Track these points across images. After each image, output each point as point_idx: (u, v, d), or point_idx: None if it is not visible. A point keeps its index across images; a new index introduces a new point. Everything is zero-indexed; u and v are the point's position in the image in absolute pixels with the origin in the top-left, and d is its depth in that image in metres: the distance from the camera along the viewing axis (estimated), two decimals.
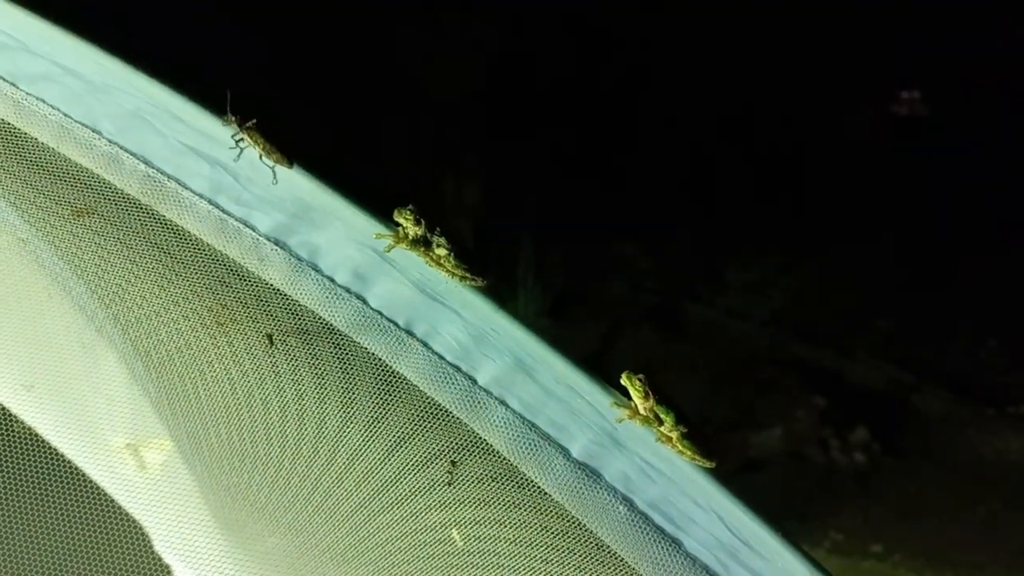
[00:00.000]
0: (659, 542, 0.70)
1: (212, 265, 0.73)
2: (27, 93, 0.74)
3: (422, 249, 0.71)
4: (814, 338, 3.56)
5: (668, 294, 3.80)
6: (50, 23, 0.74)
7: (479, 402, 0.71)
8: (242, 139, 0.69)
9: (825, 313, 3.67)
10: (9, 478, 0.98)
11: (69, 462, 1.00)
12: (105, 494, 1.03)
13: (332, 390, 0.77)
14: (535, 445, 0.70)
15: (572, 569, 0.73)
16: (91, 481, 1.02)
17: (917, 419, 3.27)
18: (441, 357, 0.71)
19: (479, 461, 0.72)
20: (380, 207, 0.72)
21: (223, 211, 0.71)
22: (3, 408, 1.00)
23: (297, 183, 0.71)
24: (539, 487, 0.71)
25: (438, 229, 0.71)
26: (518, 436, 0.70)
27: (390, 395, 0.73)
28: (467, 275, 0.71)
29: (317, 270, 0.72)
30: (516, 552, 0.75)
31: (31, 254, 0.86)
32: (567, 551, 0.73)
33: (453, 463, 0.72)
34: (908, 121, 4.28)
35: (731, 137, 4.06)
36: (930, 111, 4.26)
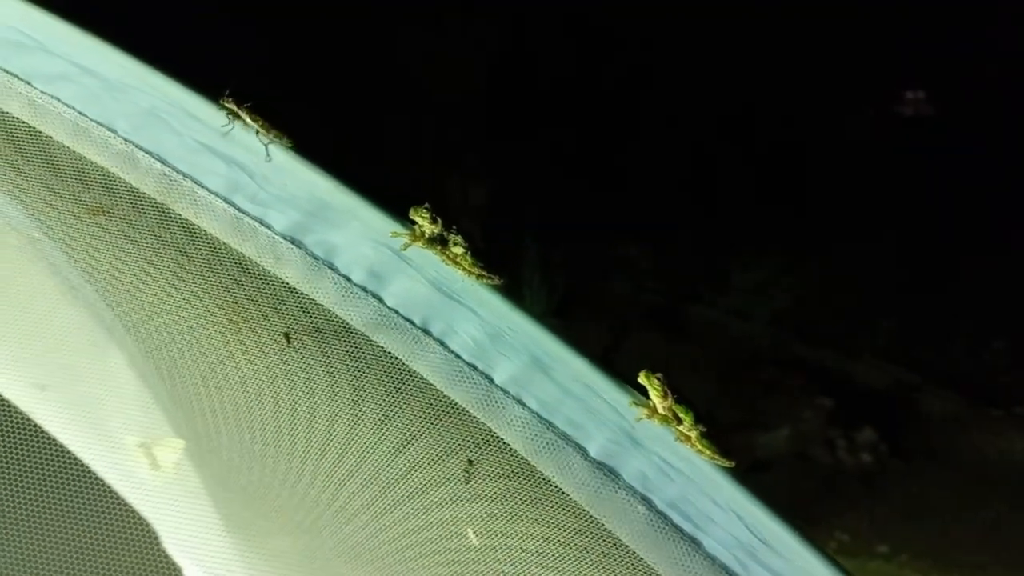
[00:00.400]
0: (678, 542, 0.69)
1: (227, 264, 0.73)
2: (42, 92, 0.74)
3: (438, 247, 0.71)
4: (818, 338, 3.56)
5: (671, 294, 3.80)
6: (67, 22, 0.74)
7: (496, 401, 0.71)
8: (236, 117, 0.69)
9: (829, 313, 3.67)
10: (20, 477, 0.98)
11: (77, 460, 1.00)
12: (114, 493, 1.03)
13: (348, 389, 0.77)
14: (553, 444, 0.70)
15: (589, 567, 0.73)
16: (100, 480, 1.02)
17: (923, 420, 3.27)
18: (458, 356, 0.71)
19: (496, 460, 0.71)
20: (381, 206, 0.72)
21: (239, 210, 0.71)
22: (15, 407, 1.00)
23: (314, 182, 0.71)
24: (556, 486, 0.71)
25: (454, 227, 0.71)
26: (535, 435, 0.70)
27: (407, 394, 0.73)
28: (484, 273, 0.71)
29: (333, 269, 0.72)
30: (532, 550, 0.75)
31: (41, 253, 0.86)
32: (583, 550, 0.73)
33: (470, 462, 0.72)
34: (912, 121, 4.28)
35: (733, 137, 4.06)
36: (934, 111, 4.26)
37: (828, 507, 2.93)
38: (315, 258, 0.72)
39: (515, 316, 0.70)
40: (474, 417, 0.71)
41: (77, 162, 0.73)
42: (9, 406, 1.00)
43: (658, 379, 0.69)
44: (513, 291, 0.72)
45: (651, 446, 0.70)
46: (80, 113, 0.73)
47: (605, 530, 0.70)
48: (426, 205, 0.70)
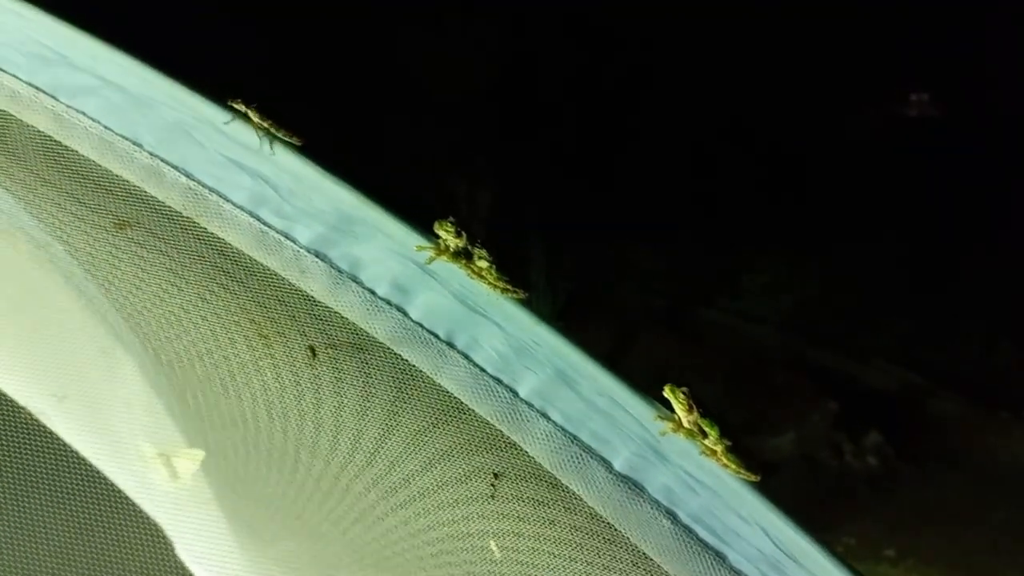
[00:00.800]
0: (703, 555, 0.69)
1: (252, 277, 0.73)
2: (67, 106, 0.74)
3: (463, 261, 0.71)
4: (826, 341, 3.55)
5: (678, 298, 3.79)
6: (90, 35, 0.74)
7: (521, 414, 0.71)
8: (245, 118, 0.70)
9: (837, 316, 3.66)
10: (37, 484, 0.99)
11: (92, 468, 1.01)
12: (129, 501, 1.03)
13: (367, 400, 0.77)
14: (577, 458, 0.70)
15: None
16: (115, 488, 1.02)
17: (931, 423, 3.26)
18: (482, 369, 0.71)
19: (521, 473, 0.72)
20: (406, 220, 0.72)
21: (264, 223, 0.72)
22: (32, 416, 1.00)
23: (339, 196, 0.71)
24: (581, 499, 0.71)
25: (479, 241, 0.71)
26: (560, 448, 0.70)
27: (429, 407, 0.73)
28: (508, 287, 0.71)
29: (358, 282, 0.72)
30: (555, 565, 0.75)
31: (55, 264, 0.86)
32: (608, 564, 0.73)
33: (496, 475, 0.72)
34: (917, 122, 4.27)
35: (739, 139, 4.06)
36: (940, 112, 4.25)
37: (835, 511, 2.92)
38: (340, 271, 0.72)
39: (540, 329, 0.71)
40: (499, 431, 0.71)
41: (104, 176, 0.73)
42: (28, 415, 1.00)
43: (683, 393, 0.69)
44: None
45: (676, 460, 0.70)
46: (105, 127, 0.73)
47: (630, 543, 0.70)
48: (451, 219, 0.70)
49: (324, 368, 0.74)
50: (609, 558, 0.71)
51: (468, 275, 0.71)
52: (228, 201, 0.72)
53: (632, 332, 3.54)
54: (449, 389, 0.72)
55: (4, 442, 0.98)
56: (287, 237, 0.72)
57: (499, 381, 0.71)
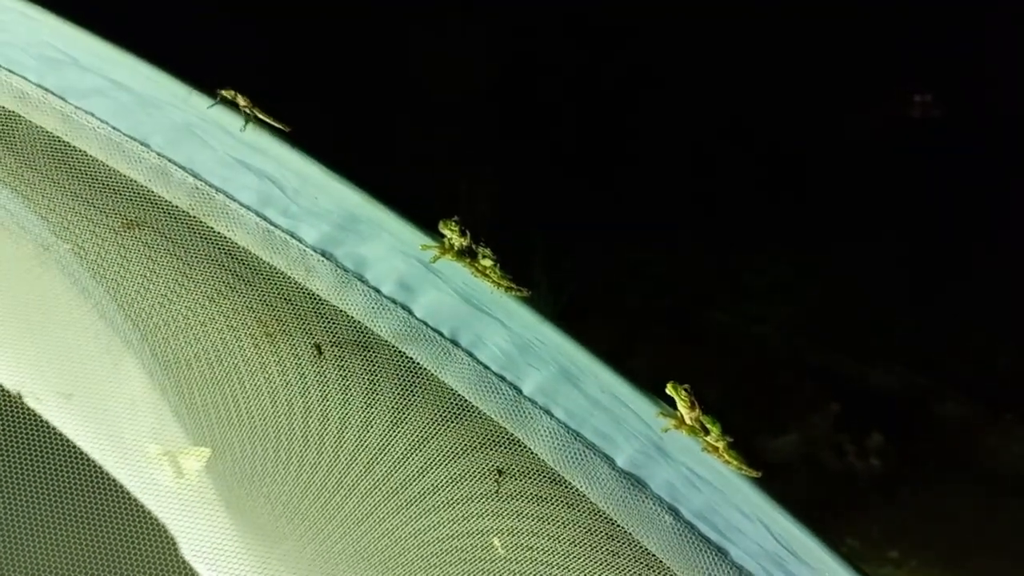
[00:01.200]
0: (705, 551, 0.70)
1: (258, 277, 0.74)
2: (76, 107, 0.75)
3: (467, 260, 0.71)
4: (828, 342, 3.55)
5: (681, 299, 3.79)
6: (98, 37, 0.75)
7: (524, 411, 0.71)
8: (232, 105, 0.71)
9: (839, 317, 3.66)
10: (40, 481, 0.99)
11: (95, 465, 1.01)
12: (133, 499, 1.04)
13: (372, 397, 0.78)
14: (581, 454, 0.71)
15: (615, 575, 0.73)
16: (119, 486, 1.03)
17: (934, 424, 3.26)
18: (486, 367, 0.72)
19: (524, 470, 0.72)
20: (411, 220, 0.73)
21: (271, 223, 0.72)
22: (37, 415, 1.01)
23: (344, 195, 0.72)
24: (584, 496, 0.71)
25: (483, 240, 0.72)
26: (564, 445, 0.71)
27: (434, 404, 0.74)
28: (512, 285, 0.71)
29: (363, 281, 0.73)
30: (557, 563, 0.75)
31: (58, 263, 0.87)
32: (610, 559, 0.73)
33: (499, 472, 0.73)
34: (918, 122, 4.27)
35: (739, 139, 4.06)
36: (940, 112, 4.25)
37: (838, 512, 2.92)
38: (345, 270, 0.72)
39: (543, 327, 0.71)
40: (503, 428, 0.72)
41: (111, 176, 0.74)
42: (33, 413, 1.01)
43: (685, 390, 0.69)
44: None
45: (678, 457, 0.70)
46: (113, 128, 0.74)
47: (633, 540, 0.71)
48: (455, 218, 0.71)
49: (329, 366, 0.75)
50: (611, 554, 0.72)
51: (472, 274, 0.71)
52: (235, 201, 0.72)
53: (633, 332, 3.55)
54: (453, 387, 0.73)
55: (7, 441, 0.98)
56: (293, 236, 0.72)
57: (503, 379, 0.72)
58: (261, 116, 0.71)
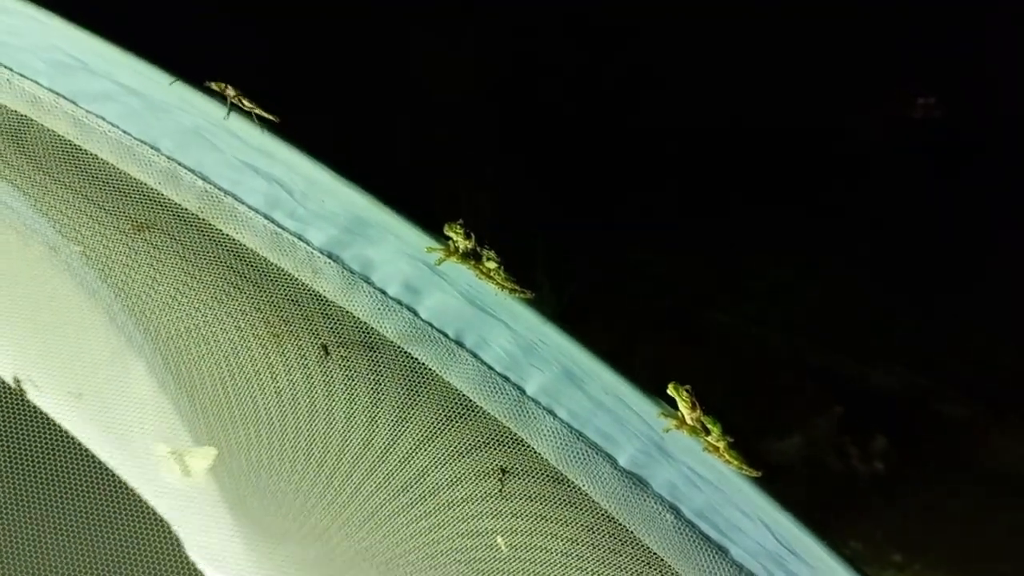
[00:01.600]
0: (705, 550, 0.71)
1: (266, 278, 0.75)
2: (87, 111, 0.76)
3: (472, 262, 0.72)
4: (830, 344, 3.55)
5: (682, 299, 3.80)
6: (108, 41, 0.76)
7: (528, 411, 0.73)
8: (222, 97, 0.71)
9: (841, 318, 3.65)
10: (48, 480, 1.00)
11: (100, 464, 1.02)
12: (137, 498, 1.05)
13: (378, 398, 0.79)
14: (583, 454, 0.72)
15: (617, 573, 0.74)
16: (124, 485, 1.04)
17: (937, 426, 3.25)
18: (490, 367, 0.73)
19: (528, 469, 0.73)
20: (417, 223, 0.74)
21: (278, 225, 0.74)
22: (44, 415, 1.02)
23: (351, 199, 0.73)
24: (586, 495, 0.72)
25: (487, 243, 0.73)
26: (566, 445, 0.72)
27: (438, 404, 0.75)
28: (516, 288, 0.72)
29: (369, 283, 0.74)
30: (561, 561, 0.76)
31: (64, 263, 0.88)
32: (611, 557, 0.74)
33: (503, 471, 0.74)
34: (919, 123, 4.28)
35: (742, 140, 4.06)
36: (941, 113, 4.25)
37: (841, 514, 2.92)
38: (352, 272, 0.74)
39: (547, 329, 0.72)
40: (507, 428, 0.73)
41: (121, 179, 0.75)
42: (41, 412, 1.02)
43: (687, 391, 0.70)
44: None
45: (680, 456, 0.71)
46: (124, 132, 0.75)
47: (634, 538, 0.72)
48: (460, 221, 0.72)
49: (335, 367, 0.76)
50: (613, 552, 0.73)
51: (477, 276, 0.72)
52: (243, 203, 0.74)
53: (634, 332, 3.55)
54: (458, 387, 0.74)
55: (16, 440, 1.00)
56: (301, 239, 0.74)
57: (507, 379, 0.73)
58: (249, 106, 0.72)
